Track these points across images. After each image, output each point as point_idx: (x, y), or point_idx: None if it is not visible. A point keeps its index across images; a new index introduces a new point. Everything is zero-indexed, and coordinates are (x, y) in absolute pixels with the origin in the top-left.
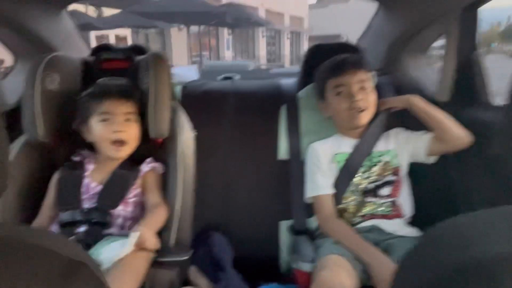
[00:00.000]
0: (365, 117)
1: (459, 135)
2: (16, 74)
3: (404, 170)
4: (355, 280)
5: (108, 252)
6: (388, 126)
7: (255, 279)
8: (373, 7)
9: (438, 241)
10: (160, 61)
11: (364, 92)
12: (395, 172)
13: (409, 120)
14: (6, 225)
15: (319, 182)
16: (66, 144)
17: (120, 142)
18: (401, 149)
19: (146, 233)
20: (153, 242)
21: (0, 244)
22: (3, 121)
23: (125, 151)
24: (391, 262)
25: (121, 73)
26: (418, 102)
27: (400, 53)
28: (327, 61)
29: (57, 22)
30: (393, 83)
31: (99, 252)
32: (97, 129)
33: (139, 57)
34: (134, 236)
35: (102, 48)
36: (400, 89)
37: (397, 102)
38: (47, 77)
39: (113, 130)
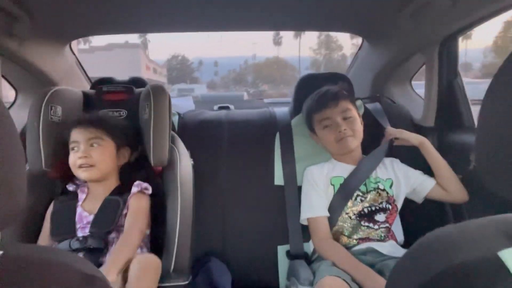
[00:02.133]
0: (352, 142)
1: (458, 186)
2: (17, 108)
3: (399, 201)
4: None
5: None
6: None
7: None
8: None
9: (426, 248)
10: (161, 92)
11: (348, 121)
12: (390, 200)
13: (400, 152)
14: (21, 244)
15: (315, 204)
16: (63, 174)
17: (85, 165)
18: (398, 181)
19: (107, 272)
20: (111, 276)
21: (21, 262)
22: (22, 142)
23: (94, 173)
24: (384, 281)
25: (121, 104)
26: (429, 145)
27: (386, 82)
28: (310, 96)
29: (60, 57)
30: (383, 109)
31: None
32: (70, 157)
33: (139, 89)
34: None
35: (103, 81)
36: (390, 117)
37: (408, 138)
38: (50, 110)
39: (78, 156)
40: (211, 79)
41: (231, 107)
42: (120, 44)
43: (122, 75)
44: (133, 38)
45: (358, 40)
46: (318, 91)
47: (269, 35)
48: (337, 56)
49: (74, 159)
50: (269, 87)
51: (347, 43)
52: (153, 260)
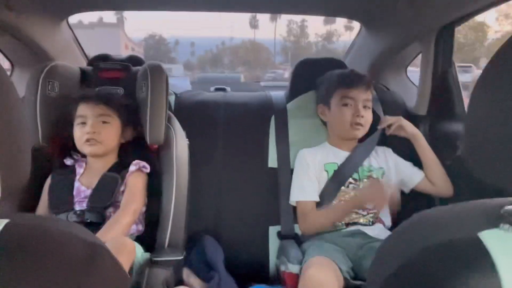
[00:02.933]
0: (361, 133)
1: (445, 181)
2: (14, 81)
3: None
4: (340, 282)
5: None
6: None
7: (245, 281)
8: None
9: (409, 228)
10: (158, 71)
11: (366, 110)
12: None
13: (392, 142)
14: (25, 213)
15: (307, 188)
16: (61, 148)
17: (92, 140)
18: (389, 170)
19: None
20: None
21: (27, 229)
22: (23, 112)
23: (100, 149)
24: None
25: (118, 82)
26: (422, 138)
27: (382, 69)
28: (341, 70)
29: (57, 32)
30: (378, 97)
31: None
32: (75, 131)
33: (136, 67)
34: None
35: (100, 58)
36: (384, 104)
37: (406, 127)
38: (48, 84)
39: (86, 131)
40: (187, 59)
41: (228, 89)
42: (101, 23)
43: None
44: (109, 16)
45: (322, 31)
46: (349, 69)
47: (246, 17)
48: (304, 43)
49: (81, 133)
50: (245, 69)
51: (312, 33)
52: (127, 243)
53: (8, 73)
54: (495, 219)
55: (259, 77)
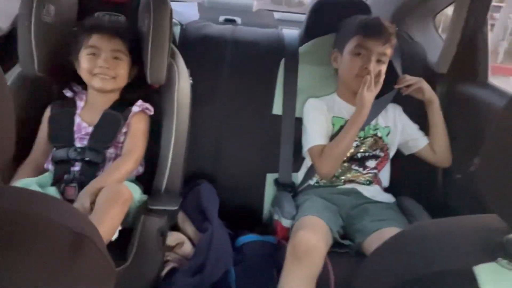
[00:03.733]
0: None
1: (447, 153)
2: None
3: (392, 150)
4: (329, 241)
5: None
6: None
7: (238, 227)
8: None
9: (404, 249)
10: (162, 3)
11: (379, 65)
12: (384, 148)
13: (404, 99)
14: (11, 189)
15: (321, 134)
16: (60, 78)
17: (105, 75)
18: (396, 130)
19: (90, 188)
20: (86, 202)
21: (9, 215)
22: (10, 94)
23: (110, 85)
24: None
25: (120, 8)
26: (438, 105)
27: (407, 16)
28: (366, 17)
29: None
30: (399, 46)
31: None
32: (84, 62)
33: None
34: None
35: None
36: (404, 55)
37: (426, 92)
38: (43, 8)
39: (99, 65)
40: None
41: (238, 20)
42: None
43: None
44: None
45: None
46: (374, 17)
47: None
48: None
49: (91, 65)
50: None
51: None
52: (123, 192)
53: None
54: (493, 249)
55: None
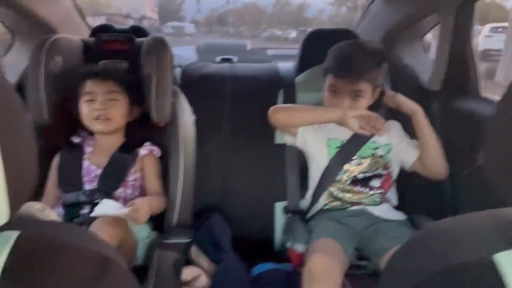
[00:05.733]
0: None
1: (439, 165)
2: (14, 52)
3: (395, 167)
4: (345, 264)
5: (104, 206)
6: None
7: (251, 257)
8: None
9: (423, 246)
10: (162, 45)
11: (355, 101)
12: (387, 166)
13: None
14: (37, 222)
15: None
16: (67, 126)
17: (102, 117)
18: (395, 146)
19: (143, 204)
20: (144, 214)
21: (38, 243)
22: (30, 119)
23: (109, 126)
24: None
25: (122, 54)
26: (421, 116)
27: (396, 40)
28: (342, 49)
29: (56, 1)
30: (388, 69)
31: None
32: (83, 109)
33: (140, 39)
34: (131, 204)
35: (102, 29)
36: (395, 76)
37: (403, 106)
38: (51, 59)
39: (96, 108)
40: (193, 17)
41: (234, 59)
42: None
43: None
44: None
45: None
46: (350, 52)
47: None
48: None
49: (89, 110)
50: (246, 28)
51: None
52: (117, 221)
53: (8, 44)
54: (510, 237)
55: (258, 35)
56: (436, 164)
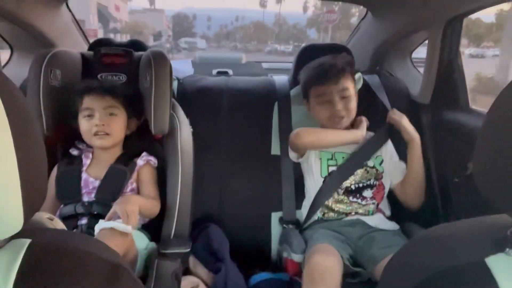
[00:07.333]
0: (345, 123)
1: (416, 195)
2: (13, 65)
3: (387, 178)
4: (341, 267)
5: (101, 224)
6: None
7: (248, 267)
8: None
9: (418, 250)
10: (162, 59)
11: (345, 100)
12: (379, 177)
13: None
14: (48, 230)
15: None
16: (66, 138)
17: (102, 132)
18: (386, 159)
19: (135, 198)
20: (134, 209)
21: (49, 250)
22: (44, 139)
23: (108, 141)
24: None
25: (121, 68)
26: (418, 145)
27: (386, 54)
28: (312, 65)
29: (56, 15)
30: (382, 83)
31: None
32: (82, 124)
33: (138, 53)
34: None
35: (101, 43)
36: (388, 91)
37: (405, 131)
38: (50, 73)
39: (95, 123)
40: (204, 33)
41: (230, 72)
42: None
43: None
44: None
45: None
46: (320, 62)
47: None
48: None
49: (89, 126)
50: (253, 44)
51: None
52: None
53: (8, 56)
54: (501, 242)
55: (262, 50)
56: (415, 193)
